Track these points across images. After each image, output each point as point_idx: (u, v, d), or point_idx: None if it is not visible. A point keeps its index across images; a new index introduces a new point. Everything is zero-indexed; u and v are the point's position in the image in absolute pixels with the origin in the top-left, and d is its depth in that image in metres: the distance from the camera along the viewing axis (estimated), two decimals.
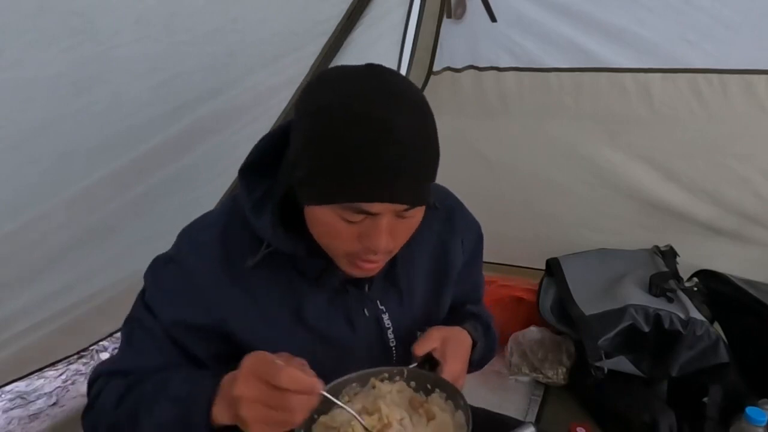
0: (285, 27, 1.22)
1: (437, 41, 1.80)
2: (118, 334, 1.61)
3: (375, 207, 0.65)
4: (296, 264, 0.77)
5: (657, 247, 1.82)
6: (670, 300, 1.53)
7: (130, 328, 0.79)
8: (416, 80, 1.83)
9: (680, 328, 1.44)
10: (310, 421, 0.71)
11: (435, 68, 1.84)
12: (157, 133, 1.11)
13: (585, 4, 1.56)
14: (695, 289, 1.64)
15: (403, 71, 1.82)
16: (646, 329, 1.47)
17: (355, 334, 0.82)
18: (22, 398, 1.81)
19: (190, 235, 0.79)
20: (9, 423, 1.70)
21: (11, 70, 0.76)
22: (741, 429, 1.05)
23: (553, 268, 1.81)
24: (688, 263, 1.75)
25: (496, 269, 2.01)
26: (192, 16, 0.95)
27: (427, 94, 0.71)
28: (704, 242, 1.79)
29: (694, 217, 1.77)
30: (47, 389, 1.86)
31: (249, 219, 0.73)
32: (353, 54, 1.48)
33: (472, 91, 1.83)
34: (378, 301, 0.84)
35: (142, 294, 0.79)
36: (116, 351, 0.82)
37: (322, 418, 0.72)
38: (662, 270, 1.67)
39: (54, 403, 1.80)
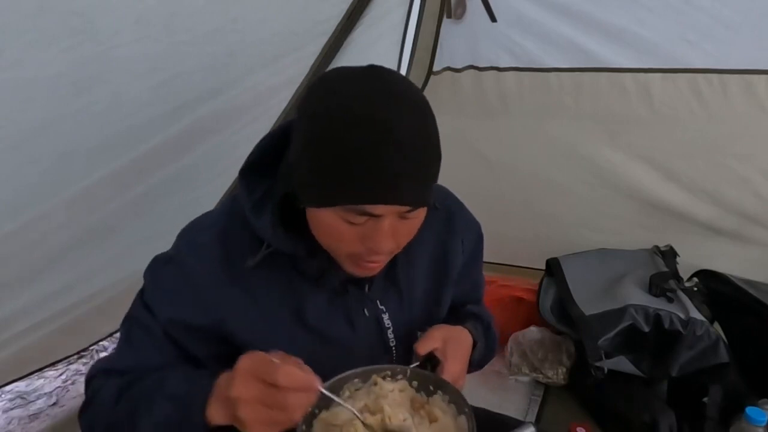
0: (285, 27, 1.22)
1: (437, 41, 1.79)
2: (118, 334, 1.62)
3: (378, 209, 0.65)
4: (296, 264, 0.77)
5: (657, 247, 1.82)
6: (670, 300, 1.53)
7: (129, 326, 0.79)
8: (416, 80, 1.83)
9: (680, 328, 1.44)
10: (311, 416, 0.71)
11: (435, 68, 1.84)
12: (157, 133, 1.11)
13: (585, 4, 1.56)
14: (695, 289, 1.64)
15: (403, 71, 1.82)
16: (646, 329, 1.47)
17: (355, 334, 0.82)
18: (22, 398, 1.81)
19: (189, 235, 0.79)
20: (9, 423, 1.70)
21: (11, 70, 0.76)
22: (741, 429, 1.05)
23: (553, 268, 1.81)
24: (688, 263, 1.75)
25: (496, 269, 2.01)
26: (192, 16, 0.95)
27: (427, 94, 0.71)
28: (704, 242, 1.79)
29: (694, 217, 1.77)
30: (47, 389, 1.86)
31: (249, 219, 0.73)
32: (353, 54, 1.48)
33: (472, 91, 1.83)
34: (378, 301, 0.84)
35: (141, 293, 0.79)
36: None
37: (324, 414, 0.72)
38: (662, 270, 1.67)
39: (54, 403, 1.79)
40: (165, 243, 0.80)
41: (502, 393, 1.73)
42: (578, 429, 1.37)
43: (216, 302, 0.75)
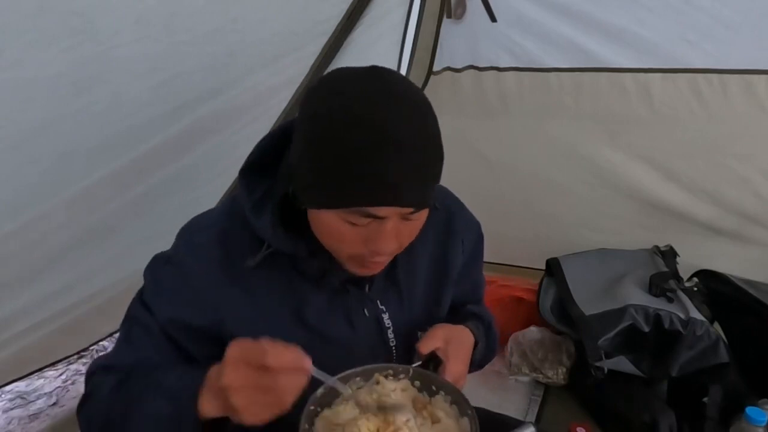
0: (285, 27, 1.22)
1: (437, 41, 1.79)
2: (118, 334, 1.62)
3: (381, 211, 0.65)
4: (296, 264, 0.77)
5: (657, 247, 1.82)
6: (670, 300, 1.53)
7: (128, 325, 0.79)
8: (416, 80, 1.83)
9: (680, 328, 1.44)
10: (313, 414, 0.70)
11: (435, 68, 1.84)
12: (157, 133, 1.11)
13: (585, 4, 1.56)
14: (695, 289, 1.64)
15: (403, 71, 1.82)
16: (646, 329, 1.47)
17: (355, 333, 0.82)
18: (22, 398, 1.81)
19: (188, 235, 0.79)
20: (9, 423, 1.70)
21: (11, 70, 0.76)
22: (741, 429, 1.05)
23: (553, 268, 1.81)
24: (688, 263, 1.75)
25: (496, 269, 2.01)
26: (192, 16, 0.95)
27: (427, 94, 0.71)
28: (704, 242, 1.79)
29: (694, 217, 1.77)
30: (47, 389, 1.86)
31: (249, 219, 0.73)
32: (353, 54, 1.48)
33: (472, 91, 1.83)
34: (378, 301, 0.84)
35: (141, 292, 0.79)
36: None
37: (326, 412, 0.72)
38: (662, 270, 1.67)
39: (54, 403, 1.79)
40: (165, 243, 0.80)
41: (502, 393, 1.73)
42: (578, 429, 1.36)
43: (215, 303, 0.75)
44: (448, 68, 1.83)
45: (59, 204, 1.03)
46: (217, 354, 0.76)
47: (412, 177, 0.65)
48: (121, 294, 1.37)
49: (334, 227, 0.68)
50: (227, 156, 1.34)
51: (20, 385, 1.80)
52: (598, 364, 1.47)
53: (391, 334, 0.84)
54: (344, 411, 0.72)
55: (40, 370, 1.50)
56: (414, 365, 0.78)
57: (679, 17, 1.50)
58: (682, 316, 1.45)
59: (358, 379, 0.75)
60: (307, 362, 0.61)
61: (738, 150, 1.63)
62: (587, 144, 1.78)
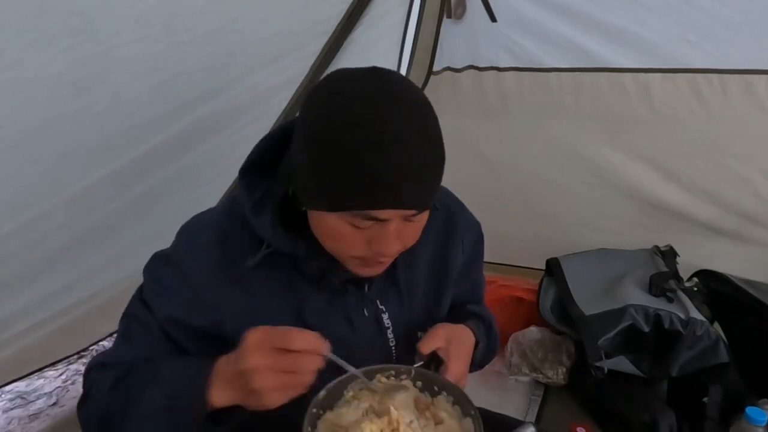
0: (285, 27, 1.22)
1: (437, 41, 1.79)
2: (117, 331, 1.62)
3: (383, 213, 0.65)
4: (296, 264, 0.77)
5: (657, 247, 1.82)
6: (670, 300, 1.52)
7: (127, 322, 0.79)
8: (416, 80, 1.83)
9: (680, 328, 1.44)
10: (316, 417, 0.70)
11: (435, 68, 1.84)
12: (157, 133, 1.11)
13: (585, 4, 1.56)
14: (695, 289, 1.64)
15: (403, 71, 1.82)
16: (646, 329, 1.47)
17: (354, 333, 0.82)
18: (22, 398, 1.81)
19: (188, 234, 0.79)
20: (9, 423, 1.70)
21: (11, 70, 0.76)
22: (741, 429, 1.05)
23: (553, 268, 1.81)
24: (688, 263, 1.75)
25: (496, 269, 2.01)
26: (192, 16, 0.95)
27: (427, 94, 0.71)
28: (704, 242, 1.79)
29: (694, 217, 1.77)
30: (47, 389, 1.86)
31: (249, 219, 0.73)
32: (353, 54, 1.48)
33: (472, 91, 1.83)
34: (378, 301, 0.84)
35: (140, 290, 0.79)
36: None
37: (328, 414, 0.72)
38: (662, 270, 1.67)
39: (54, 403, 1.79)
40: (165, 243, 0.80)
41: (502, 393, 1.73)
42: (578, 429, 1.37)
43: (215, 302, 0.75)
44: (448, 68, 1.83)
45: (59, 204, 1.03)
46: (217, 353, 0.76)
47: (413, 178, 0.64)
48: (121, 294, 1.37)
49: (335, 229, 0.68)
50: (227, 156, 1.34)
51: (20, 385, 1.80)
52: (598, 364, 1.47)
53: (390, 334, 0.84)
54: (347, 413, 0.72)
55: (40, 370, 1.50)
56: (416, 365, 0.78)
57: (679, 17, 1.49)
58: (682, 316, 1.45)
59: (359, 380, 0.75)
60: (326, 346, 0.64)
61: (738, 150, 1.63)
62: (587, 144, 1.78)
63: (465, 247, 0.93)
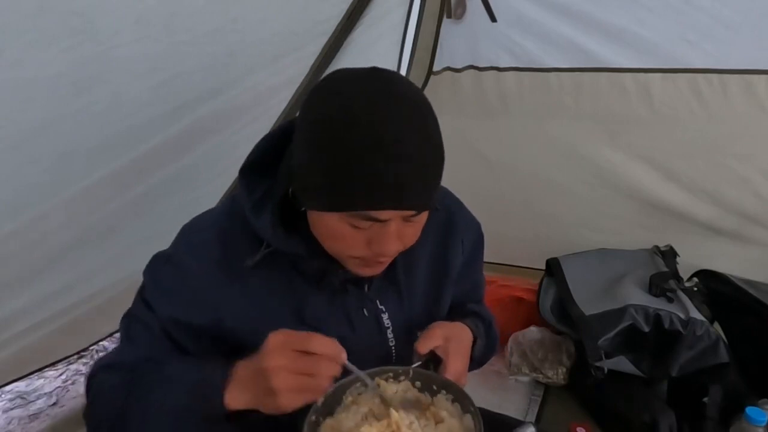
0: (285, 27, 1.22)
1: (437, 41, 1.79)
2: (118, 335, 1.62)
3: (384, 214, 0.65)
4: (296, 264, 0.77)
5: (657, 247, 1.82)
6: (670, 300, 1.52)
7: (128, 322, 0.79)
8: (416, 80, 1.83)
9: (680, 328, 1.44)
10: (315, 424, 0.70)
11: (435, 68, 1.84)
12: (157, 133, 1.11)
13: (585, 4, 1.56)
14: (695, 289, 1.64)
15: (403, 71, 1.82)
16: (646, 329, 1.47)
17: (354, 333, 0.81)
18: (22, 398, 1.81)
19: (188, 234, 0.79)
20: (9, 423, 1.70)
21: (11, 70, 0.76)
22: (741, 429, 1.05)
23: (553, 268, 1.81)
24: (688, 263, 1.75)
25: (496, 269, 2.01)
26: (192, 16, 0.95)
27: (427, 94, 0.71)
28: (704, 242, 1.79)
29: (694, 217, 1.77)
30: (47, 389, 1.86)
31: (249, 219, 0.73)
32: (353, 54, 1.48)
33: (472, 91, 1.83)
34: (377, 301, 0.84)
35: (142, 290, 0.79)
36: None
37: (328, 421, 0.72)
38: (662, 270, 1.67)
39: (54, 403, 1.79)
40: (165, 243, 0.80)
41: (502, 393, 1.73)
42: (578, 429, 1.37)
43: (215, 302, 0.75)
44: (448, 68, 1.83)
45: (59, 204, 1.03)
46: (218, 352, 0.76)
47: (413, 178, 0.64)
48: (121, 294, 1.37)
49: (335, 230, 0.68)
50: (227, 156, 1.34)
51: (20, 385, 1.80)
52: (598, 364, 1.47)
53: (390, 334, 0.84)
54: (346, 418, 0.72)
55: (40, 370, 1.50)
56: (414, 366, 0.78)
57: (679, 17, 1.49)
58: (682, 316, 1.45)
59: (358, 384, 0.75)
60: (343, 353, 0.66)
61: (738, 150, 1.63)
62: (587, 144, 1.78)
63: (465, 247, 0.93)
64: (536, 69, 1.71)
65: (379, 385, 0.76)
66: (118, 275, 1.34)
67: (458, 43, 1.77)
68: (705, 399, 1.38)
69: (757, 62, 1.50)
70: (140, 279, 0.79)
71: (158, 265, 0.78)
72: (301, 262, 0.77)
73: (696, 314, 1.46)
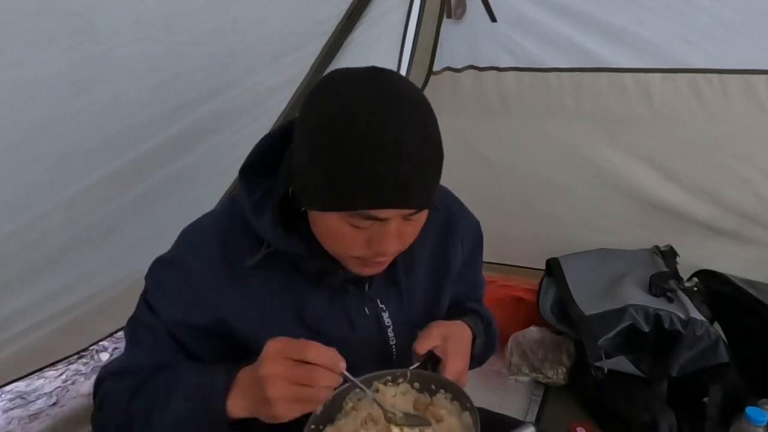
0: (285, 27, 1.22)
1: (437, 41, 1.79)
2: (118, 334, 1.62)
3: (383, 213, 0.65)
4: (296, 264, 0.77)
5: (657, 247, 1.82)
6: (670, 300, 1.52)
7: (133, 327, 0.79)
8: (416, 80, 1.83)
9: (680, 328, 1.44)
10: None
11: (435, 68, 1.84)
12: (157, 133, 1.11)
13: (585, 4, 1.56)
14: (695, 289, 1.64)
15: (403, 71, 1.82)
16: (646, 329, 1.47)
17: (355, 333, 0.82)
18: (22, 398, 1.81)
19: (189, 236, 0.79)
20: (9, 423, 1.70)
21: (11, 70, 0.76)
22: (741, 429, 1.05)
23: (553, 268, 1.81)
24: (688, 263, 1.75)
25: (496, 269, 2.01)
26: (192, 16, 0.95)
27: (427, 94, 0.71)
28: (704, 242, 1.79)
29: (694, 217, 1.77)
30: (47, 389, 1.86)
31: (249, 219, 0.73)
32: (353, 54, 1.48)
33: (472, 91, 1.83)
34: (378, 300, 0.84)
35: (144, 294, 0.79)
36: (116, 351, 0.82)
37: (329, 429, 0.72)
38: (662, 270, 1.67)
39: (54, 403, 1.80)
40: (165, 243, 0.80)
41: (502, 393, 1.73)
42: (578, 429, 1.37)
43: (215, 302, 0.75)
44: (448, 68, 1.83)
45: (59, 204, 1.03)
46: (223, 352, 0.76)
47: (413, 177, 0.65)
48: (121, 294, 1.37)
49: (335, 229, 0.68)
50: (227, 156, 1.34)
51: (20, 385, 1.80)
52: (598, 364, 1.47)
53: (391, 333, 0.85)
54: (345, 425, 0.72)
55: (40, 370, 1.50)
56: (411, 368, 0.78)
57: (679, 17, 1.49)
58: (682, 316, 1.45)
59: (357, 390, 0.74)
60: (342, 363, 0.64)
61: (738, 150, 1.63)
62: (587, 144, 1.78)
63: (465, 247, 0.93)
64: (536, 69, 1.71)
65: (378, 390, 0.76)
66: (118, 275, 1.34)
67: (458, 43, 1.77)
68: (705, 399, 1.38)
69: (757, 62, 1.50)
70: (140, 279, 0.79)
71: (160, 267, 0.78)
72: (301, 262, 0.77)
73: (696, 314, 1.46)
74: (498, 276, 1.97)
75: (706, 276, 1.69)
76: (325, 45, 1.40)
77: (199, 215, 0.83)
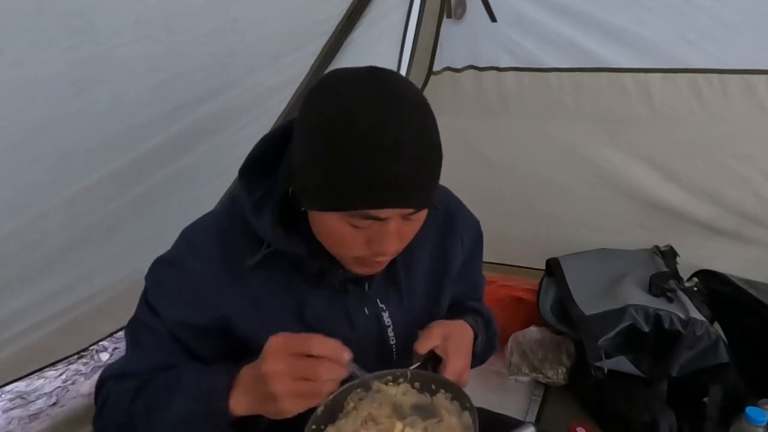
0: (285, 27, 1.22)
1: (437, 41, 1.79)
2: (118, 334, 1.62)
3: (383, 213, 0.65)
4: (296, 264, 0.77)
5: (657, 247, 1.82)
6: (670, 300, 1.53)
7: (134, 329, 0.79)
8: (416, 80, 1.83)
9: (680, 328, 1.44)
10: None
11: (435, 68, 1.84)
12: (157, 133, 1.11)
13: (585, 4, 1.56)
14: (695, 289, 1.64)
15: (403, 71, 1.82)
16: (646, 329, 1.47)
17: (355, 332, 0.82)
18: (22, 398, 1.81)
19: (189, 236, 0.79)
20: (9, 423, 1.70)
21: (11, 70, 0.76)
22: (741, 429, 1.05)
23: (553, 268, 1.81)
24: (688, 263, 1.75)
25: (496, 269, 2.01)
26: (192, 16, 0.95)
27: (427, 94, 0.71)
28: (704, 242, 1.79)
29: (694, 217, 1.77)
30: (47, 389, 1.86)
31: (249, 219, 0.74)
32: (353, 54, 1.48)
33: (472, 91, 1.83)
34: (378, 300, 0.84)
35: (144, 295, 0.79)
36: (116, 351, 0.82)
37: (330, 429, 0.71)
38: (662, 270, 1.67)
39: (54, 403, 1.80)
40: (165, 243, 0.80)
41: (502, 393, 1.73)
42: (578, 429, 1.37)
43: (215, 302, 0.75)
44: (448, 68, 1.83)
45: (59, 204, 1.03)
46: (224, 352, 0.76)
47: (413, 177, 0.65)
48: (121, 294, 1.37)
49: (335, 229, 0.68)
50: (227, 156, 1.34)
51: (20, 385, 1.80)
52: (598, 364, 1.47)
53: (391, 333, 0.85)
54: (346, 425, 0.72)
55: (40, 370, 1.50)
56: (412, 367, 0.78)
57: (679, 17, 1.50)
58: (682, 316, 1.45)
59: (358, 390, 0.74)
60: (347, 354, 0.64)
61: (738, 150, 1.63)
62: (587, 144, 1.78)
63: (464, 246, 0.93)
64: (536, 69, 1.71)
65: (379, 390, 0.76)
66: (118, 275, 1.34)
67: (458, 43, 1.77)
68: (705, 399, 1.38)
69: (757, 62, 1.50)
70: (140, 279, 0.79)
71: (160, 268, 0.78)
72: (301, 262, 0.77)
73: (696, 314, 1.46)
74: (498, 276, 1.97)
75: (706, 276, 1.69)
76: (325, 45, 1.40)
77: (199, 215, 0.83)
